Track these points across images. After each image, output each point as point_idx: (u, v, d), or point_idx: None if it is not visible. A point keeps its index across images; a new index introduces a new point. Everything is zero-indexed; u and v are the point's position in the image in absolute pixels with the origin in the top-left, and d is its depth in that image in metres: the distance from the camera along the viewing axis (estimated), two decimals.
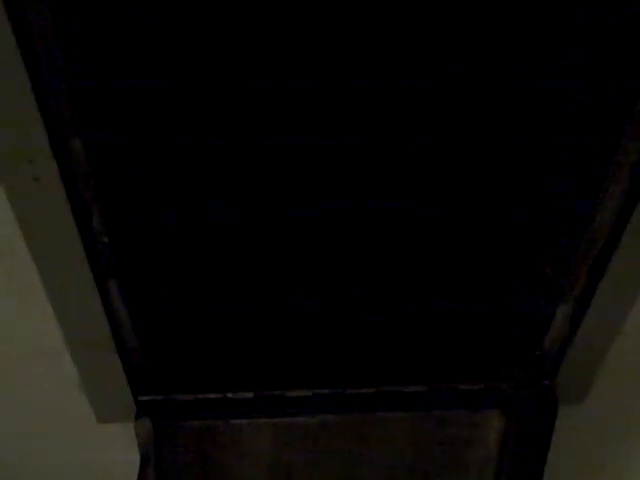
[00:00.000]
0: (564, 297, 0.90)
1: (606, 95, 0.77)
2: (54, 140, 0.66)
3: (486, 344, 1.01)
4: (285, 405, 0.94)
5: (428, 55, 1.04)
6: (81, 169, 0.70)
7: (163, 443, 0.93)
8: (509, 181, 1.05)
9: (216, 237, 1.07)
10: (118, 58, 0.85)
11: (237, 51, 1.03)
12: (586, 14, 0.81)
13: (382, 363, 0.98)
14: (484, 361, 0.99)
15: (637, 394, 1.03)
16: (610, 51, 0.76)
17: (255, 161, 1.09)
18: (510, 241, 1.07)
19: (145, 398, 0.93)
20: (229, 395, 0.93)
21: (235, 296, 1.05)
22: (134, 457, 0.95)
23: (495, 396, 0.96)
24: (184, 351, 0.98)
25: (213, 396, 0.93)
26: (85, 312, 0.84)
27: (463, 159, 1.10)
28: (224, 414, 0.93)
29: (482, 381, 0.97)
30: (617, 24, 0.74)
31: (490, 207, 1.09)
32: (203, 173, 1.08)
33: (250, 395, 0.94)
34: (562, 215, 0.90)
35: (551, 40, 0.94)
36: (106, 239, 0.78)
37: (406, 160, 1.11)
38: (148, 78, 0.90)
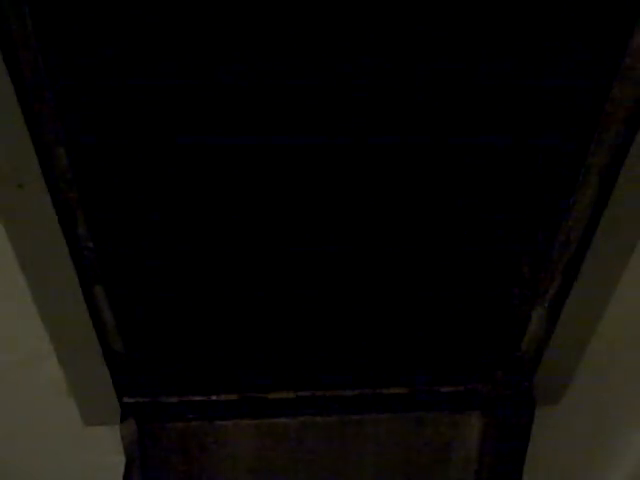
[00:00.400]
0: (539, 299, 0.92)
1: (574, 101, 0.79)
2: (38, 147, 0.67)
3: (466, 347, 1.03)
4: (268, 407, 0.96)
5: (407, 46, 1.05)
6: (65, 175, 0.72)
7: (148, 444, 0.94)
8: (485, 186, 1.07)
9: (199, 242, 1.09)
10: (101, 64, 0.86)
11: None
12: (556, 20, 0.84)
13: (364, 366, 0.99)
14: (464, 363, 1.01)
15: (612, 394, 1.05)
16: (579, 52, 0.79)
17: (241, 164, 1.11)
18: (489, 244, 1.09)
19: (130, 400, 0.95)
20: (213, 397, 0.95)
21: (218, 301, 1.06)
22: (121, 459, 0.97)
23: (475, 397, 0.99)
24: (169, 354, 0.99)
25: (197, 398, 0.95)
26: (71, 316, 0.85)
27: (435, 162, 1.12)
28: (208, 416, 0.95)
29: (462, 383, 0.99)
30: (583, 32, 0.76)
31: (468, 211, 1.11)
32: (188, 178, 1.09)
33: (234, 397, 0.95)
34: (537, 218, 0.92)
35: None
36: (91, 244, 0.80)
37: (375, 167, 1.13)
38: (131, 81, 0.92)
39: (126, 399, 0.95)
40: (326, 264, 1.10)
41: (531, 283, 0.94)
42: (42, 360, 0.91)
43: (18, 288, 0.80)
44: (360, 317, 1.04)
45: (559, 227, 0.84)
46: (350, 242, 1.06)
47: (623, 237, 0.82)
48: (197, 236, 1.06)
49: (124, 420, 0.94)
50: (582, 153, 0.76)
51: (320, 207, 1.05)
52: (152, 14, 0.87)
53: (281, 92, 0.99)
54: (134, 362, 0.95)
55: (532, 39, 0.90)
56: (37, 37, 0.61)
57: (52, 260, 0.78)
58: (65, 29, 0.69)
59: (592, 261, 0.84)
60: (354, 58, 0.97)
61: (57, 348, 0.88)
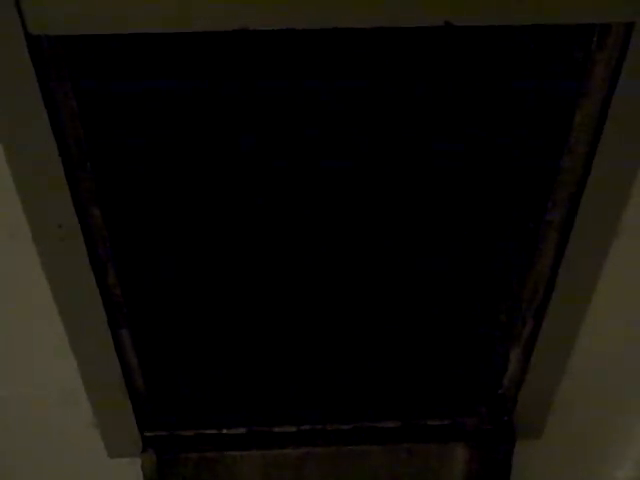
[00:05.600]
0: (516, 341, 1.02)
1: (538, 139, 0.91)
2: (78, 208, 0.80)
3: (452, 384, 1.13)
4: (273, 439, 1.06)
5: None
6: (99, 232, 0.84)
7: (166, 473, 1.04)
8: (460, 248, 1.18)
9: (214, 291, 1.21)
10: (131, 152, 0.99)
11: None
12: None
13: (360, 402, 1.10)
14: (450, 399, 1.11)
15: (586, 429, 1.14)
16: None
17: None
18: (470, 298, 1.20)
19: (150, 434, 1.05)
20: (224, 431, 1.05)
21: (230, 350, 1.18)
22: None
23: (460, 430, 1.08)
24: (185, 393, 1.10)
25: (210, 432, 1.05)
26: (100, 357, 0.95)
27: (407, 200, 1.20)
28: (220, 447, 1.05)
29: (448, 417, 1.09)
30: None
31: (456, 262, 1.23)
32: (209, 236, 1.20)
33: (243, 431, 1.06)
34: (509, 272, 1.03)
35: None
36: (119, 292, 0.92)
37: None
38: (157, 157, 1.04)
39: (147, 433, 1.05)
40: (331, 316, 1.21)
41: (508, 327, 1.04)
42: (72, 396, 1.00)
43: (55, 330, 0.91)
44: (357, 360, 1.14)
45: (526, 279, 0.95)
46: (347, 290, 1.17)
47: (582, 283, 0.92)
48: (211, 287, 1.18)
49: (145, 451, 1.04)
50: (540, 211, 0.88)
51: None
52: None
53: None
54: (154, 400, 1.06)
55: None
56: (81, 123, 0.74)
57: (85, 306, 0.90)
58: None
59: (558, 305, 0.95)
60: None
61: (86, 385, 0.98)
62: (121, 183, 0.91)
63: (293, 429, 1.06)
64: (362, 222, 1.21)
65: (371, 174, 1.21)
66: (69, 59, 0.69)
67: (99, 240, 0.84)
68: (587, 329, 0.97)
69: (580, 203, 0.83)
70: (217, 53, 1.18)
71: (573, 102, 0.76)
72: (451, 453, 1.07)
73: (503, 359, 1.05)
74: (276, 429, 1.06)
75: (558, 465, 1.19)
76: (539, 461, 1.17)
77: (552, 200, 0.86)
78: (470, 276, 1.19)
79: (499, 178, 1.10)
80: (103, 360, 0.96)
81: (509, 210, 1.04)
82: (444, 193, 1.17)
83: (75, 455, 1.09)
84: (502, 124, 1.08)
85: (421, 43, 1.09)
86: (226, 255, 1.20)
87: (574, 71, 0.76)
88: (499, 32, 0.86)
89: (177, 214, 1.13)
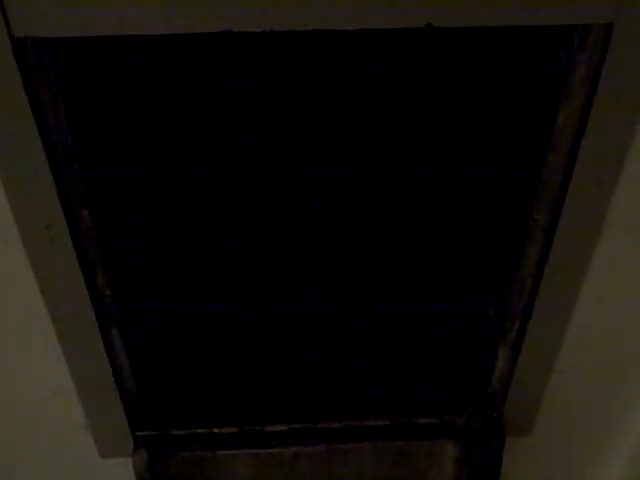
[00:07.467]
0: (504, 340, 1.03)
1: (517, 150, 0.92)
2: (67, 210, 0.80)
3: (441, 383, 1.14)
4: (264, 438, 1.06)
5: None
6: (88, 234, 0.85)
7: (158, 473, 1.05)
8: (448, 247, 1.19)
9: (205, 290, 1.21)
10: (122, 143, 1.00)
11: None
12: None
13: (350, 401, 1.10)
14: (440, 398, 1.12)
15: (575, 426, 1.15)
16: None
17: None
18: (461, 297, 1.21)
19: (142, 433, 1.05)
20: (215, 430, 1.06)
21: (221, 348, 1.18)
22: None
23: (450, 428, 1.09)
24: (176, 392, 1.11)
25: (201, 431, 1.06)
26: (91, 358, 0.96)
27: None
28: (211, 446, 1.05)
29: (438, 415, 1.09)
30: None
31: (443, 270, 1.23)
32: (199, 233, 1.21)
33: (234, 430, 1.06)
34: (497, 273, 1.04)
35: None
36: (109, 292, 0.92)
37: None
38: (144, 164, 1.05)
39: (138, 432, 1.06)
40: (321, 315, 1.22)
41: (496, 326, 1.04)
42: (63, 396, 1.00)
43: (45, 331, 0.91)
44: (347, 359, 1.15)
45: (514, 279, 0.96)
46: (338, 289, 1.18)
47: (568, 281, 0.93)
48: (201, 291, 1.18)
49: (136, 451, 1.05)
50: (526, 212, 0.89)
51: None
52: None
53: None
54: (146, 399, 1.06)
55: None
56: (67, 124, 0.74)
57: (75, 306, 0.90)
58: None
59: (545, 304, 0.96)
60: None
61: (77, 386, 0.99)
62: (109, 184, 0.92)
63: (284, 428, 1.07)
64: (353, 219, 1.23)
65: (361, 172, 1.22)
66: (55, 61, 0.70)
67: (88, 241, 0.85)
68: (574, 327, 0.98)
69: (565, 202, 0.84)
70: (205, 53, 1.19)
71: (557, 101, 0.77)
72: (441, 451, 1.08)
73: (492, 357, 1.06)
74: (267, 428, 1.07)
75: (547, 462, 1.20)
76: (529, 458, 1.18)
77: (538, 199, 0.87)
78: (458, 275, 1.20)
79: (485, 178, 1.11)
80: (93, 360, 0.96)
81: (496, 210, 1.05)
82: (431, 193, 1.18)
83: (66, 455, 1.10)
84: (486, 124, 1.09)
85: (404, 43, 1.11)
86: (215, 254, 1.20)
87: (557, 71, 0.77)
88: (483, 33, 0.87)
89: (166, 214, 1.14)
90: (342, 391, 1.11)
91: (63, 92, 0.72)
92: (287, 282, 1.21)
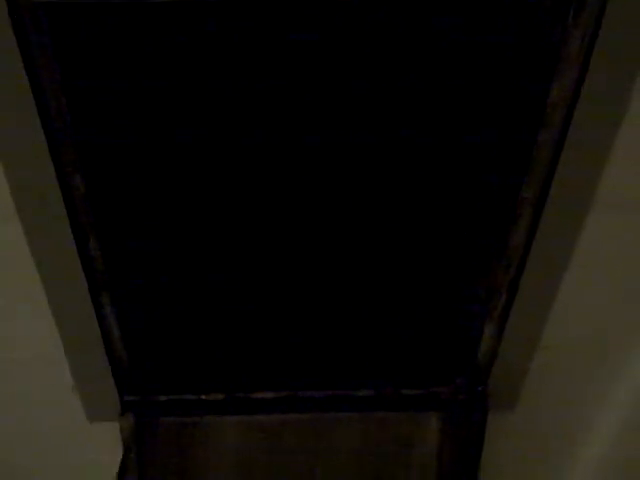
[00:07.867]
0: (490, 314, 1.04)
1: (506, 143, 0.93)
2: (60, 177, 0.81)
3: (427, 355, 1.15)
4: (251, 405, 1.08)
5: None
6: (81, 200, 0.85)
7: (144, 436, 1.06)
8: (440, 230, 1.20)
9: (195, 259, 1.22)
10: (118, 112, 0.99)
11: None
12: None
13: (336, 370, 1.11)
14: (425, 370, 1.13)
15: (559, 402, 1.16)
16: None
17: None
18: (454, 272, 1.21)
19: (129, 398, 1.07)
20: (202, 396, 1.07)
21: (209, 315, 1.19)
22: (118, 452, 1.08)
23: (434, 400, 1.11)
24: (165, 358, 1.12)
25: (189, 397, 1.07)
26: (80, 321, 0.97)
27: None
28: (198, 412, 1.07)
29: (423, 387, 1.11)
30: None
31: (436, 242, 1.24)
32: (193, 202, 1.20)
33: (221, 396, 1.08)
34: (486, 251, 1.05)
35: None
36: (100, 259, 0.93)
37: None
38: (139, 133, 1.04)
39: (126, 397, 1.07)
40: (307, 285, 1.23)
41: (483, 300, 1.05)
42: (50, 359, 1.01)
43: (34, 292, 0.92)
44: (334, 329, 1.16)
45: (502, 256, 0.97)
46: (324, 260, 1.19)
47: (555, 257, 0.94)
48: (192, 253, 1.18)
49: (123, 415, 1.06)
50: (515, 191, 0.89)
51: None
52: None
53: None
54: (134, 364, 1.07)
55: None
56: (63, 91, 0.74)
57: (67, 271, 0.91)
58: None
59: (530, 279, 0.97)
60: None
61: (65, 349, 1.00)
62: (104, 151, 0.92)
63: (271, 395, 1.08)
64: (346, 202, 1.23)
65: (353, 158, 1.22)
66: (51, 26, 0.70)
67: (81, 208, 0.85)
68: (560, 302, 0.99)
69: (553, 179, 0.84)
70: (204, 20, 1.18)
71: (549, 79, 0.77)
72: (425, 422, 1.10)
73: (478, 331, 1.07)
74: (254, 395, 1.08)
75: (531, 436, 1.22)
76: (512, 432, 1.19)
77: (527, 176, 0.87)
78: (446, 249, 1.21)
79: (474, 155, 1.11)
80: (83, 324, 0.97)
81: (485, 186, 1.05)
82: (420, 170, 1.18)
83: (54, 418, 1.11)
84: (479, 100, 1.09)
85: (400, 12, 1.10)
86: (207, 223, 1.20)
87: (551, 47, 0.77)
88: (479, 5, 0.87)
89: (160, 183, 1.14)
90: (329, 360, 1.13)
91: (59, 61, 0.72)
92: (275, 250, 1.21)
